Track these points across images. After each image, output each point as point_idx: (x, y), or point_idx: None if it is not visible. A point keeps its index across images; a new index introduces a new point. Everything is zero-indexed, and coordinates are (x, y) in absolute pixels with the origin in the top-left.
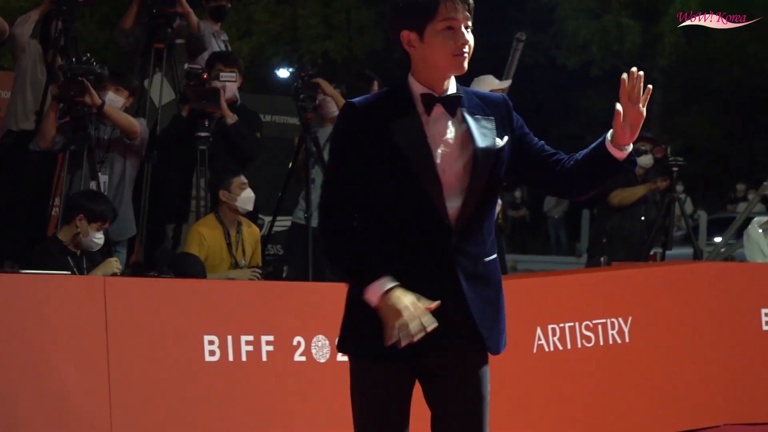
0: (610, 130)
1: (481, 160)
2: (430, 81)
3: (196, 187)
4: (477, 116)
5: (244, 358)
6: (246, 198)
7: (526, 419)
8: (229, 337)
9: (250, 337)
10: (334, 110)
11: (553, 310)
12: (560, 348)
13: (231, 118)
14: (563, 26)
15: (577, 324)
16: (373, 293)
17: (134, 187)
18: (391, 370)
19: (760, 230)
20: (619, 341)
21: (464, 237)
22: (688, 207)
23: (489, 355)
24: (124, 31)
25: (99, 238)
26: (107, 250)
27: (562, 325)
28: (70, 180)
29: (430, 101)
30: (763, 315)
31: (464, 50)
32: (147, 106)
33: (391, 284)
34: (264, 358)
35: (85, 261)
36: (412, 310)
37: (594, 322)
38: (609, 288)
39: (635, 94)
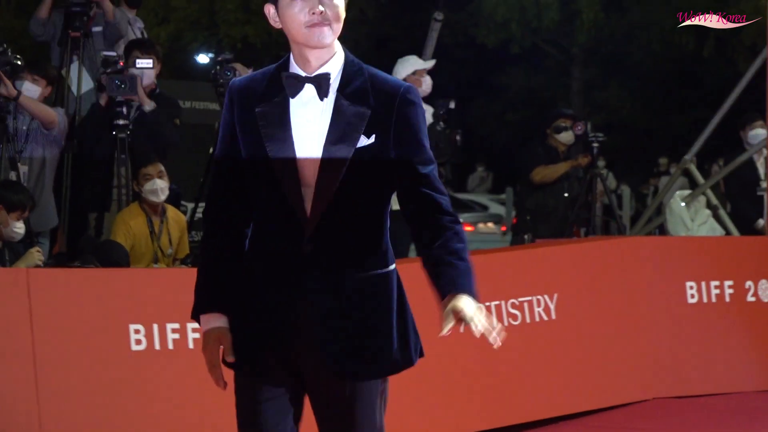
0: (451, 304)
1: (328, 156)
2: (299, 59)
3: (117, 175)
4: (350, 104)
5: (170, 347)
6: (149, 190)
7: (452, 399)
8: (155, 326)
9: (176, 325)
10: None
11: (478, 289)
12: None
13: (149, 105)
14: (481, 4)
15: (502, 302)
16: (202, 324)
17: (55, 177)
18: (257, 383)
19: (683, 204)
20: (545, 318)
21: (321, 242)
22: (611, 182)
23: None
24: (40, 20)
25: (19, 227)
26: (29, 242)
27: (487, 303)
28: None
29: (295, 82)
30: (687, 288)
31: (318, 20)
32: (66, 96)
33: (212, 325)
34: (191, 346)
35: (8, 253)
36: (209, 360)
37: (520, 300)
38: (534, 265)
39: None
